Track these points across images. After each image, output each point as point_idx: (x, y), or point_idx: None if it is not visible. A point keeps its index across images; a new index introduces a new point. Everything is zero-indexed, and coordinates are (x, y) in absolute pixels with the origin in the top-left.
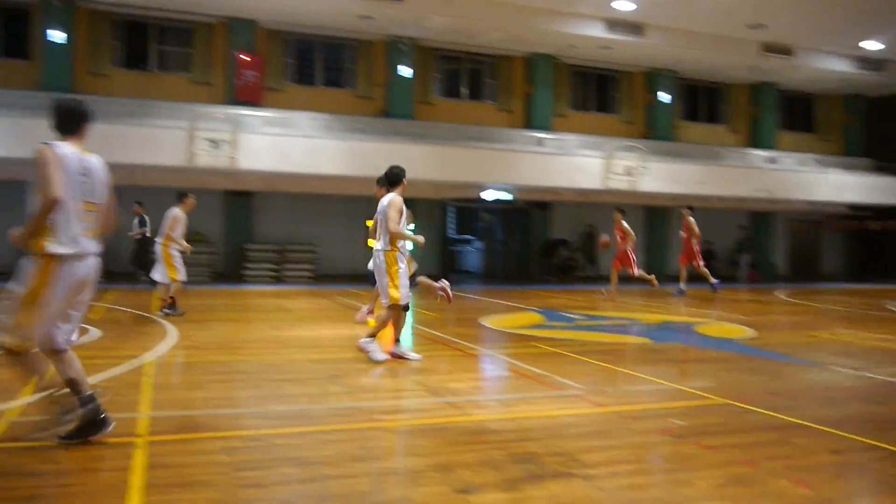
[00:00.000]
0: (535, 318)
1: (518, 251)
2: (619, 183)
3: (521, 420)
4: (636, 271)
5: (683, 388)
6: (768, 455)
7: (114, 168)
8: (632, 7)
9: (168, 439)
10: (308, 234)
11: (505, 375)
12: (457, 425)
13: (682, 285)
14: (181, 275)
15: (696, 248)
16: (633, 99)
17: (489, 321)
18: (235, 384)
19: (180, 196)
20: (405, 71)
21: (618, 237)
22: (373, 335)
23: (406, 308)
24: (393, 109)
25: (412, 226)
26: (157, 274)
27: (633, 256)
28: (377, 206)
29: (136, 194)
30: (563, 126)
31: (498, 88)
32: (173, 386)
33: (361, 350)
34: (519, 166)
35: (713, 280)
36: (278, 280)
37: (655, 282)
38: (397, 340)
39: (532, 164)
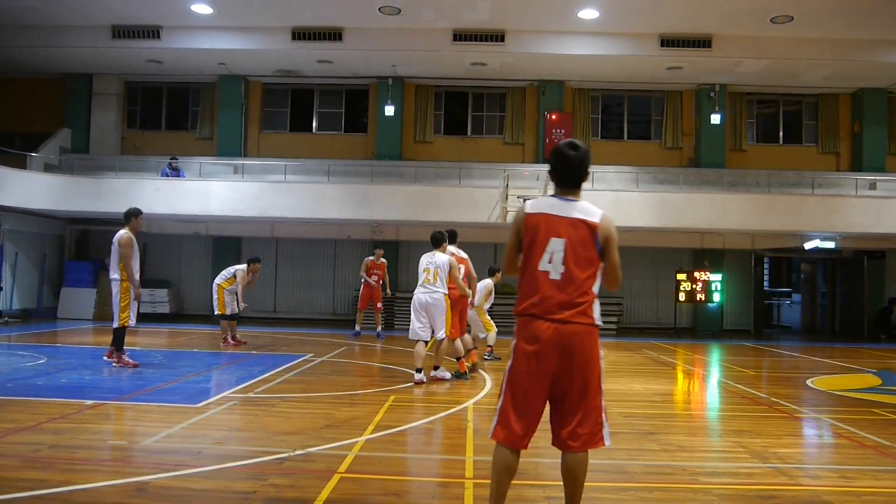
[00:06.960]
0: (871, 380)
1: (845, 305)
2: None
3: (864, 496)
4: None
5: None
6: None
7: (435, 225)
8: None
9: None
10: None
11: (840, 443)
12: (787, 494)
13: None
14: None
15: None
16: None
17: (816, 382)
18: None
19: (493, 271)
20: (715, 118)
21: None
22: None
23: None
24: (702, 159)
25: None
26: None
27: None
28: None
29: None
30: None
31: (820, 130)
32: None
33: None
34: (846, 212)
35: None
36: None
37: None
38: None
39: (863, 209)
